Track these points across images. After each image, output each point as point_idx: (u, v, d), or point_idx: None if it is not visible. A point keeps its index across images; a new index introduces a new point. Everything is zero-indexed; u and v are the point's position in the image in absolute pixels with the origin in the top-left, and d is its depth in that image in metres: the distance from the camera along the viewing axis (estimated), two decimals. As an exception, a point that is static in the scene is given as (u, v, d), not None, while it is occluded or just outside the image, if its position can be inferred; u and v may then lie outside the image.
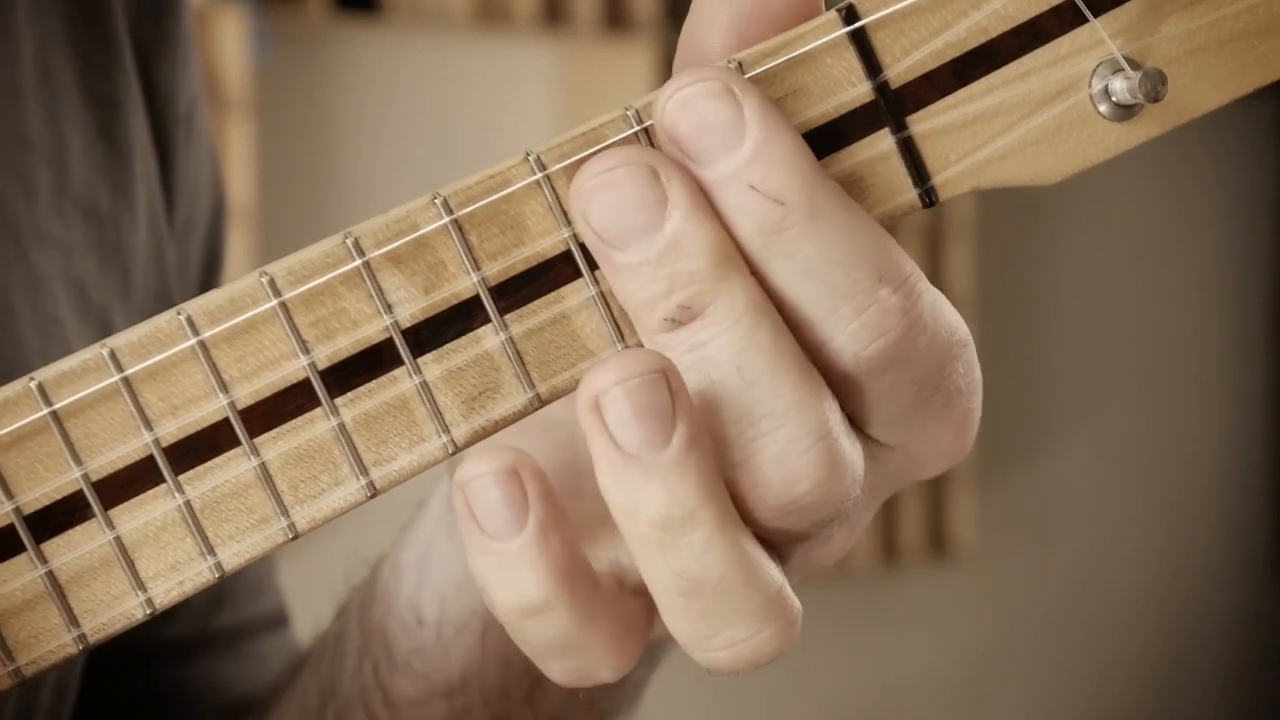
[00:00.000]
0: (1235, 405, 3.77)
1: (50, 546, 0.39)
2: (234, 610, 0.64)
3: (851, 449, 0.39)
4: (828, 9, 0.40)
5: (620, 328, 0.40)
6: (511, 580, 0.38)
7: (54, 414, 0.39)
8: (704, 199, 0.38)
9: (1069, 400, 3.39)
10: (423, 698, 0.50)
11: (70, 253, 0.56)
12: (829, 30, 0.39)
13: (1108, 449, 3.46)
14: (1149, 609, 3.58)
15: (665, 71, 2.93)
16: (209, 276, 0.65)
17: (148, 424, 0.39)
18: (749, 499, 0.38)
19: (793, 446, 0.38)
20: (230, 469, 0.39)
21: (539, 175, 0.39)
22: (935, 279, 0.41)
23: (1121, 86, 0.39)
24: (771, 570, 0.39)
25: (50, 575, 0.39)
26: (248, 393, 0.39)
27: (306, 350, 0.39)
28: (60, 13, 0.58)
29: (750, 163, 0.37)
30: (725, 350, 0.38)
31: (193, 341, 0.39)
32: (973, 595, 3.15)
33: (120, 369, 0.39)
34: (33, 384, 0.39)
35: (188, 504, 0.39)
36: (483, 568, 0.38)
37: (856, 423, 0.40)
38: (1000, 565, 3.18)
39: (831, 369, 0.39)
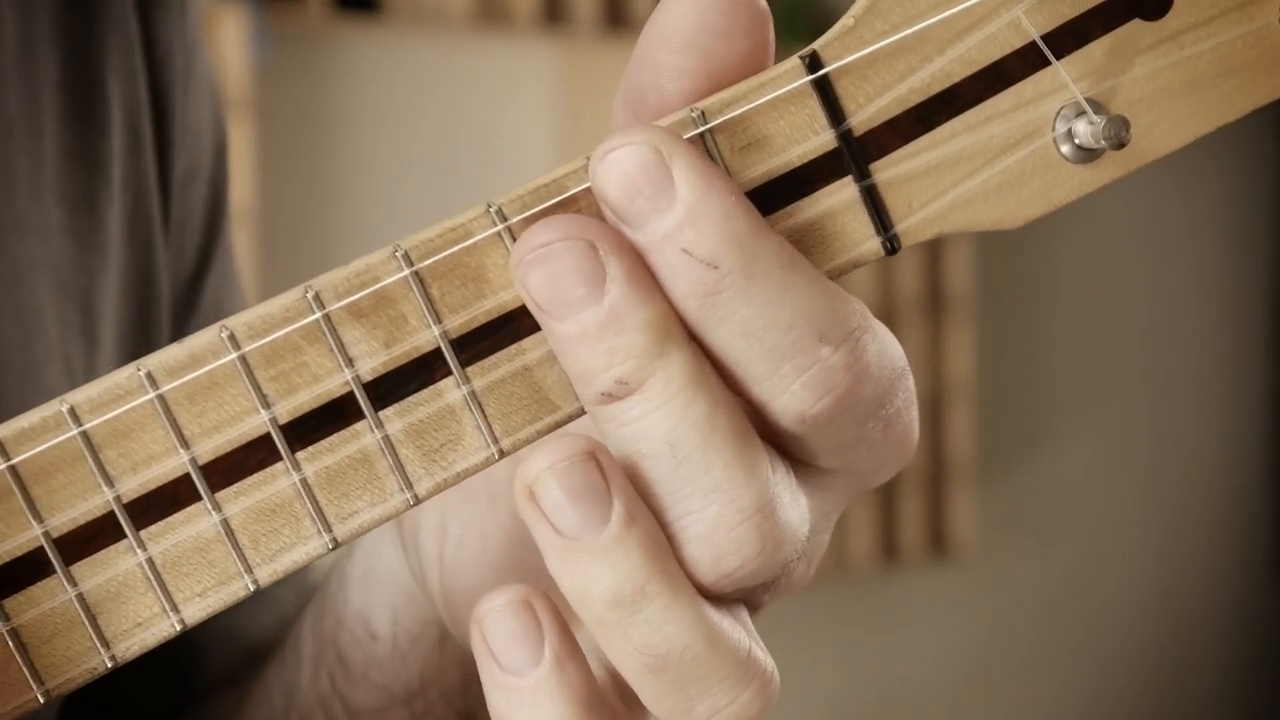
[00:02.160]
0: (1235, 405, 3.76)
1: (12, 603, 0.39)
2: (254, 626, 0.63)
3: (793, 510, 0.38)
4: (785, 59, 0.40)
5: (582, 379, 0.40)
6: (532, 714, 0.38)
7: (13, 470, 0.39)
8: (645, 271, 0.37)
9: (1069, 400, 3.39)
10: (382, 705, 0.51)
11: (47, 238, 0.56)
12: (792, 79, 0.39)
13: (1108, 449, 3.45)
14: (1149, 609, 3.57)
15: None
16: (213, 220, 0.64)
17: (108, 480, 0.39)
18: (691, 571, 0.38)
19: (720, 525, 0.37)
20: (192, 525, 0.39)
21: (500, 227, 0.39)
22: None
23: (1085, 130, 0.39)
24: (736, 631, 0.38)
25: (13, 632, 0.39)
26: (209, 448, 0.39)
27: (267, 405, 0.39)
28: None
29: (681, 226, 0.37)
30: (659, 427, 0.37)
31: (152, 396, 0.39)
32: (973, 595, 3.14)
33: (79, 424, 0.39)
34: (-10, 443, 0.39)
35: (149, 560, 0.39)
36: (502, 704, 0.38)
37: (800, 460, 0.39)
38: (1000, 565, 3.17)
39: (775, 426, 0.38)
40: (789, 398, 0.37)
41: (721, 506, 0.37)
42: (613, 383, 0.37)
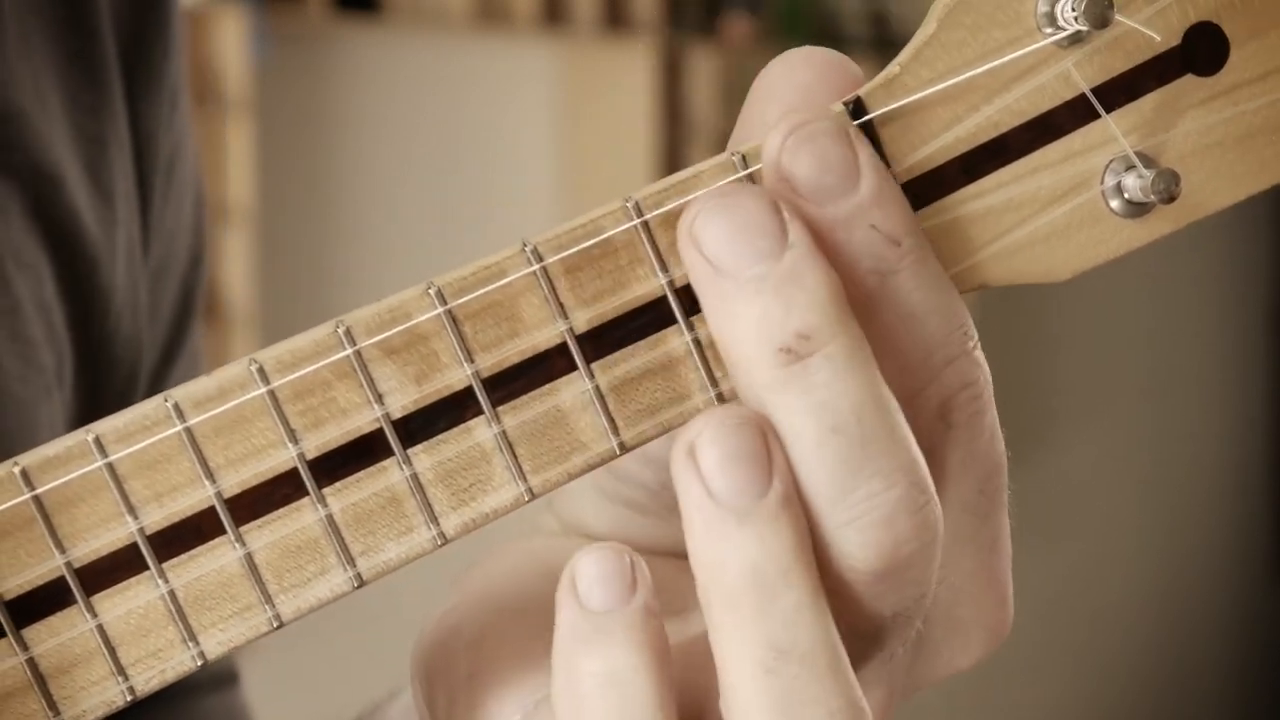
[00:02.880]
0: (1236, 405, 3.77)
1: (32, 632, 0.39)
2: None
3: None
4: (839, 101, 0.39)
5: (615, 421, 0.39)
6: (603, 652, 0.37)
7: (37, 500, 0.38)
8: (817, 245, 0.37)
9: (1069, 400, 3.39)
10: None
11: (41, 278, 0.56)
12: None
13: (1108, 449, 3.46)
14: (1149, 609, 3.58)
15: (665, 72, 2.92)
16: (181, 324, 0.64)
17: (132, 511, 0.38)
18: (841, 567, 0.37)
19: (905, 506, 0.36)
20: (215, 558, 0.39)
21: (536, 267, 0.39)
22: None
23: (1134, 184, 0.38)
24: (852, 672, 0.37)
25: (31, 662, 0.39)
26: (234, 481, 0.38)
27: (295, 440, 0.38)
28: (50, 46, 0.57)
29: (870, 203, 0.37)
30: (848, 397, 0.36)
31: (179, 428, 0.38)
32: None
33: (105, 455, 0.38)
34: (16, 469, 0.38)
35: (171, 592, 0.39)
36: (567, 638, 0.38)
37: None
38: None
39: (916, 420, 0.38)
40: (937, 386, 0.38)
41: (904, 489, 0.36)
42: (794, 336, 0.36)
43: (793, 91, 0.39)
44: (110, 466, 0.38)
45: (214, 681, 0.64)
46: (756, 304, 0.37)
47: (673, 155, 2.87)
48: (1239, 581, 3.76)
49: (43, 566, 0.38)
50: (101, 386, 0.59)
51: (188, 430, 0.38)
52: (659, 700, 0.37)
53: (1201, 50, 0.39)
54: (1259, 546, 3.80)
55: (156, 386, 0.62)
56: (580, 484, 0.45)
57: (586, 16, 2.86)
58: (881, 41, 3.17)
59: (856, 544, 0.37)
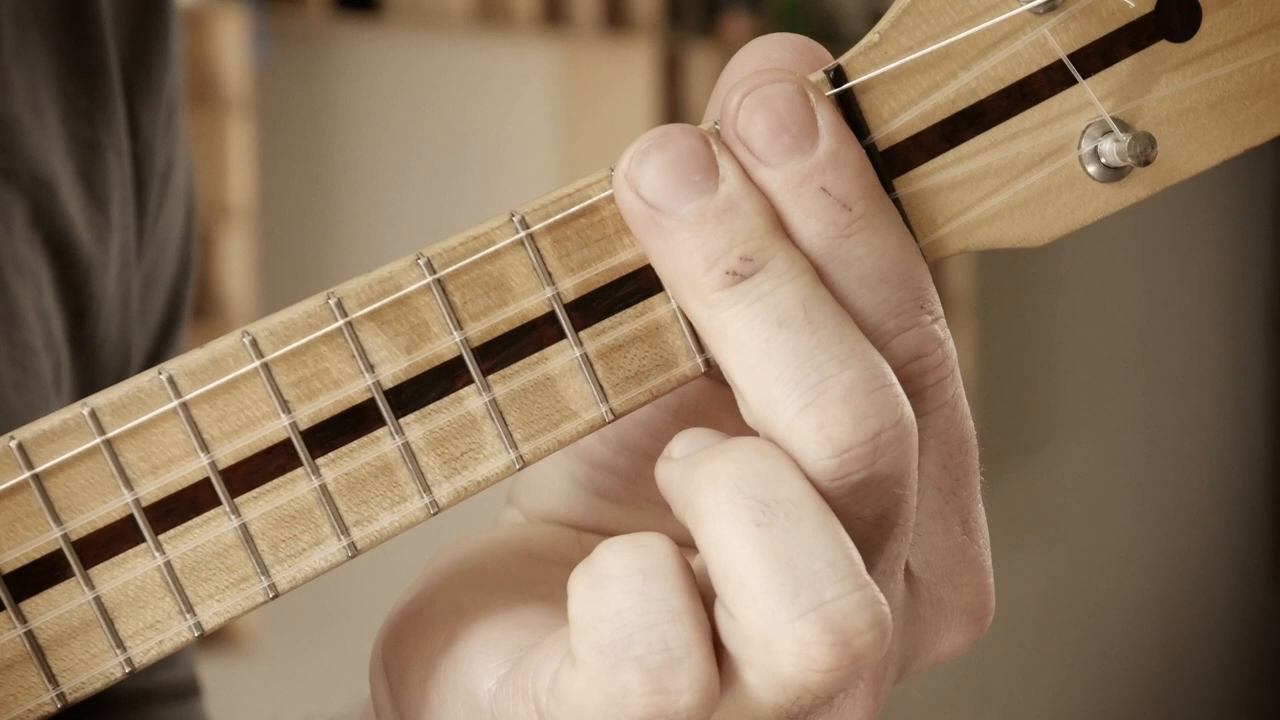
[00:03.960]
0: (1235, 405, 3.77)
1: (30, 605, 0.39)
2: (141, 674, 0.62)
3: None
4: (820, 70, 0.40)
5: (604, 388, 0.39)
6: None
7: (34, 473, 0.39)
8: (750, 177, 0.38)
9: (1069, 401, 3.39)
10: None
11: (40, 286, 0.56)
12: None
13: (1108, 449, 3.46)
14: (1149, 609, 3.58)
15: (665, 72, 2.92)
16: (167, 334, 0.64)
17: (128, 483, 0.39)
18: (830, 437, 0.37)
19: (859, 386, 0.37)
20: (211, 529, 0.39)
21: (522, 234, 0.39)
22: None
23: (1111, 149, 0.39)
24: (845, 532, 0.37)
25: (30, 635, 0.39)
26: (229, 452, 0.39)
27: (288, 410, 0.39)
28: (49, 52, 0.57)
29: (822, 166, 0.38)
30: (793, 296, 0.37)
31: (175, 403, 0.39)
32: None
33: (101, 429, 0.39)
34: (13, 443, 0.39)
35: (168, 564, 0.39)
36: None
37: None
38: (1000, 565, 3.18)
39: None
40: (886, 353, 0.38)
41: (859, 370, 0.37)
42: (738, 260, 0.37)
43: (767, 65, 0.39)
44: (106, 440, 0.39)
45: (176, 693, 0.64)
46: (699, 236, 0.38)
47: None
48: (1239, 581, 3.76)
49: (40, 539, 0.39)
50: (92, 392, 0.59)
51: (182, 403, 0.39)
52: (686, 586, 0.37)
53: (1175, 16, 0.39)
54: (1259, 546, 3.79)
55: None
56: (551, 474, 0.45)
57: (586, 16, 2.86)
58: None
59: (814, 427, 0.37)
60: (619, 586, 0.36)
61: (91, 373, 0.59)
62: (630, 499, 0.44)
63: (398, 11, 2.71)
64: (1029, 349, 3.34)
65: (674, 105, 2.93)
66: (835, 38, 3.10)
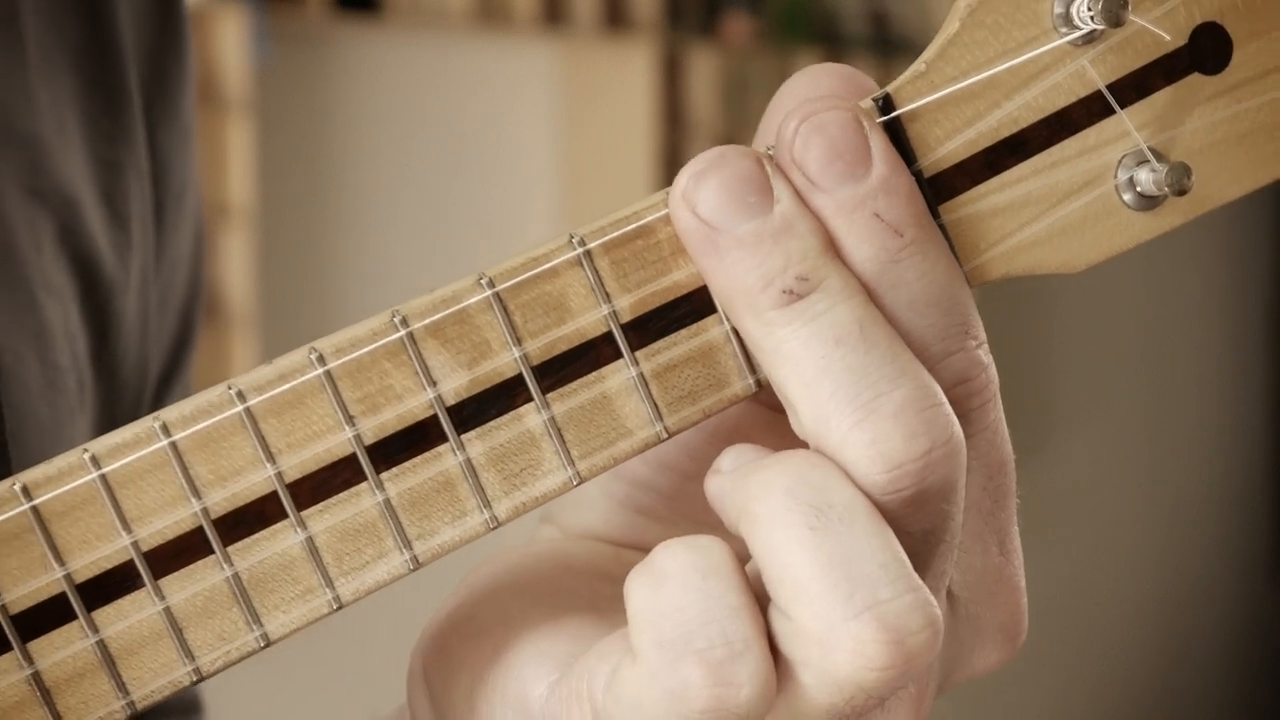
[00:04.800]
0: (1235, 405, 3.78)
1: (101, 615, 0.40)
2: None
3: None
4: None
5: (658, 407, 0.41)
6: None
7: (105, 482, 0.40)
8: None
9: (1069, 401, 3.41)
10: None
11: (66, 305, 0.57)
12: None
13: (1108, 449, 3.47)
14: (1149, 609, 3.59)
15: (665, 72, 2.94)
16: (179, 355, 0.65)
17: (197, 495, 0.40)
18: (881, 452, 0.38)
19: (913, 403, 0.38)
20: (278, 541, 0.40)
21: (580, 252, 0.40)
22: None
23: (1147, 178, 0.40)
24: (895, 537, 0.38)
25: (101, 644, 0.40)
26: (295, 465, 0.40)
27: (353, 425, 0.40)
28: (71, 72, 0.58)
29: (875, 192, 0.39)
30: (848, 314, 0.38)
31: (239, 409, 0.40)
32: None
33: (171, 441, 0.40)
34: (86, 455, 0.40)
35: (236, 575, 0.40)
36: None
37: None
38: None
39: None
40: (933, 375, 0.39)
41: (912, 389, 0.38)
42: (794, 279, 0.39)
43: (817, 94, 0.41)
44: (176, 451, 0.40)
45: (179, 710, 0.65)
46: (755, 256, 0.39)
47: (673, 155, 2.88)
48: (1239, 581, 3.78)
49: (110, 548, 0.40)
50: (113, 412, 0.60)
51: (249, 413, 0.40)
52: (743, 585, 0.38)
53: (1207, 50, 0.41)
54: (1259, 546, 3.81)
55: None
56: (590, 491, 0.46)
57: (586, 16, 2.87)
58: (881, 41, 3.18)
59: (866, 441, 0.38)
60: (678, 584, 0.38)
61: (112, 391, 0.60)
62: (669, 516, 0.46)
63: (398, 11, 2.72)
64: (1029, 349, 3.35)
65: (674, 105, 2.94)
66: (836, 38, 3.11)
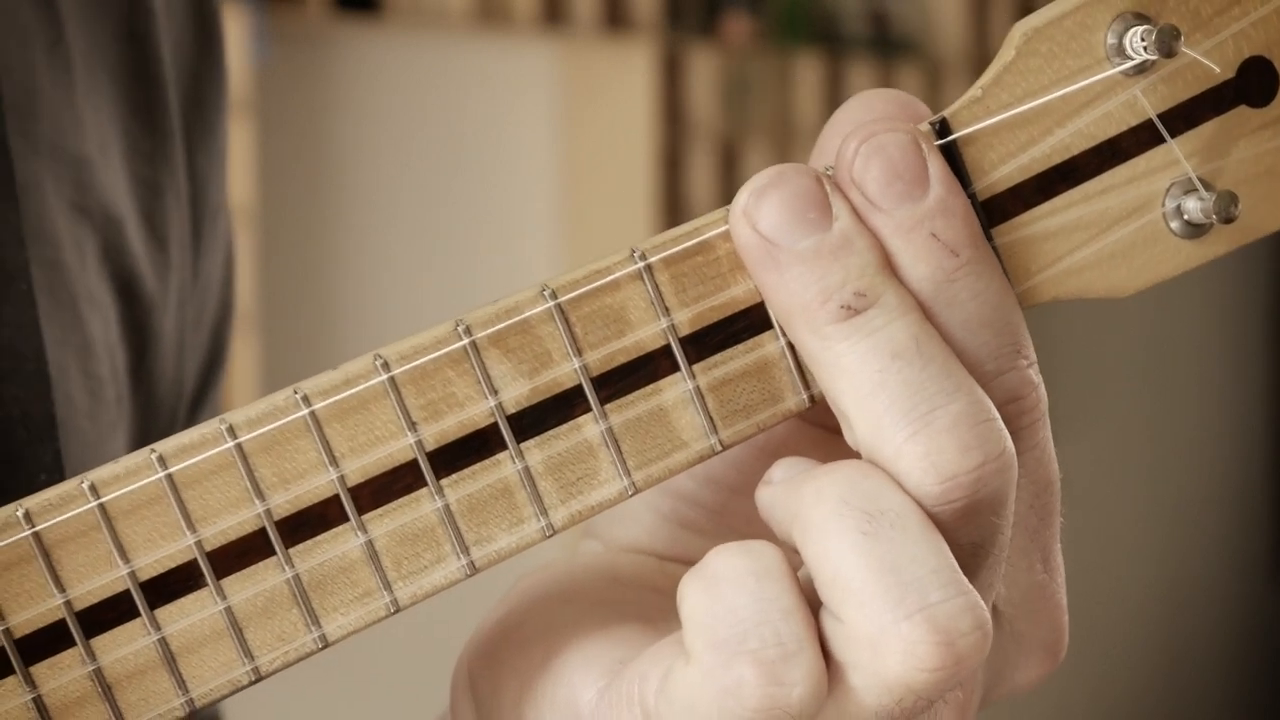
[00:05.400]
0: (1236, 405, 3.80)
1: (164, 613, 0.41)
2: None
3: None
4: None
5: (714, 421, 0.42)
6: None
7: (171, 482, 0.41)
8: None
9: (1068, 400, 3.42)
10: None
11: (108, 320, 0.58)
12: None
13: (1108, 449, 3.48)
14: (1149, 608, 3.60)
15: (665, 72, 2.95)
16: (210, 374, 0.65)
17: (261, 496, 0.41)
18: (935, 464, 0.39)
19: (967, 417, 0.39)
20: (339, 544, 0.41)
21: (641, 266, 0.41)
22: None
23: (1195, 206, 0.41)
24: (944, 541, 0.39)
25: (163, 642, 0.41)
26: (357, 469, 0.41)
27: (415, 431, 0.41)
28: (114, 94, 0.59)
29: (933, 212, 0.40)
30: (905, 330, 0.39)
31: (305, 413, 0.41)
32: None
33: (236, 441, 0.41)
34: (153, 455, 0.41)
35: (296, 577, 0.41)
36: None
37: None
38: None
39: None
40: (986, 392, 0.40)
41: (966, 403, 0.39)
42: (852, 295, 0.40)
43: (873, 118, 0.42)
44: (241, 452, 0.41)
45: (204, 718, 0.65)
46: (814, 271, 0.40)
47: (673, 155, 2.89)
48: (1239, 581, 3.79)
49: (174, 547, 0.41)
50: (147, 429, 0.61)
51: (314, 417, 0.41)
52: (795, 588, 0.39)
53: (1254, 83, 0.42)
54: (1259, 546, 3.82)
55: None
56: (635, 506, 0.47)
57: (586, 16, 2.88)
58: (881, 41, 3.20)
59: (920, 454, 0.39)
60: (732, 587, 0.39)
61: (148, 409, 0.61)
62: (714, 530, 0.46)
63: (398, 11, 2.72)
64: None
65: (674, 105, 2.95)
66: (836, 38, 3.13)
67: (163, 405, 0.61)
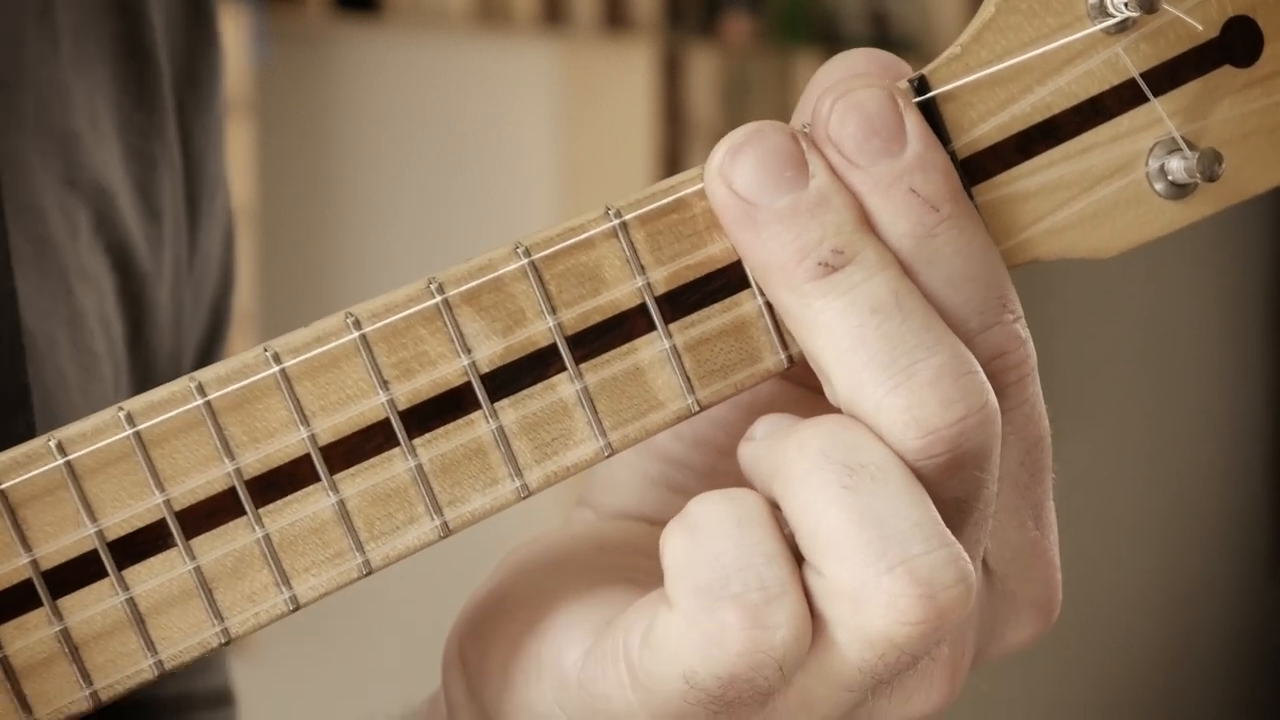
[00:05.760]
0: (1235, 404, 3.79)
1: (132, 573, 0.41)
2: (178, 681, 0.63)
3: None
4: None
5: (690, 380, 0.41)
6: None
7: (139, 439, 0.40)
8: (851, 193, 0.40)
9: (1068, 399, 3.41)
10: None
11: (102, 293, 0.58)
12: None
13: (1108, 447, 3.48)
14: (1149, 607, 3.60)
15: (665, 72, 2.94)
16: (210, 348, 0.65)
17: (230, 455, 0.40)
18: (917, 417, 0.38)
19: (947, 370, 0.38)
20: (309, 504, 0.41)
21: (616, 223, 0.41)
22: None
23: (1178, 166, 0.41)
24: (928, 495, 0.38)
25: (131, 602, 0.41)
26: (328, 428, 0.40)
27: (387, 390, 0.40)
28: (106, 67, 0.59)
29: (911, 168, 0.40)
30: (884, 285, 0.39)
31: (275, 370, 0.40)
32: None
33: (206, 399, 0.40)
34: (121, 413, 0.40)
35: (266, 536, 0.41)
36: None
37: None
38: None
39: None
40: (971, 349, 0.39)
41: (947, 356, 0.38)
42: (829, 252, 0.39)
43: (853, 76, 0.41)
44: (210, 409, 0.40)
45: (214, 699, 0.65)
46: (791, 230, 0.39)
47: (673, 155, 2.89)
48: (1239, 581, 3.78)
49: (143, 506, 0.40)
50: None
51: (284, 374, 0.40)
52: (778, 534, 0.38)
53: (1238, 42, 0.42)
54: (1259, 545, 3.82)
55: None
56: (624, 472, 0.47)
57: (586, 16, 2.88)
58: (881, 41, 3.19)
59: (902, 407, 0.38)
60: (715, 532, 0.38)
61: (147, 381, 0.60)
62: (703, 493, 0.46)
63: (398, 11, 2.72)
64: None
65: (674, 105, 2.95)
66: (836, 38, 3.12)
67: (161, 378, 0.61)
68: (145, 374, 0.60)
